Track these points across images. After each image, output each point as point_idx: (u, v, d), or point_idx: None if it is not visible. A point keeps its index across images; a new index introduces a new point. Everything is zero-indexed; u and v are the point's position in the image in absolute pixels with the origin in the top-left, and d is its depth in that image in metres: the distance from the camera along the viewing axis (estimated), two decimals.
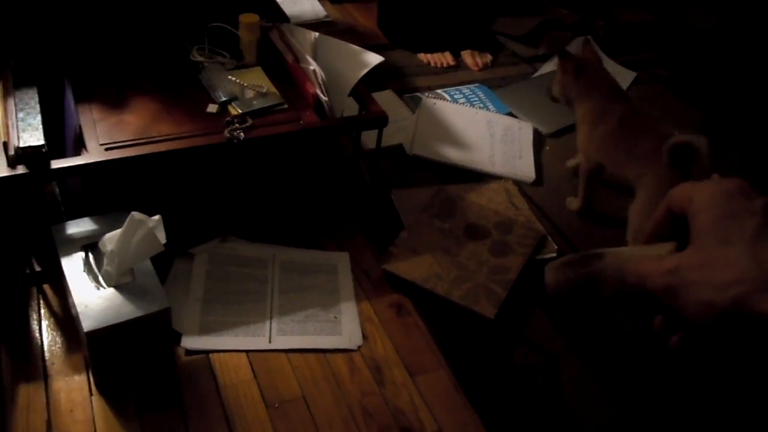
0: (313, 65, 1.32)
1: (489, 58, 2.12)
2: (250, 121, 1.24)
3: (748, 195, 0.44)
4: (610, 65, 2.21)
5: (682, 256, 0.44)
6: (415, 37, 2.09)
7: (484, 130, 1.76)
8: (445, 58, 2.05)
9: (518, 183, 1.61)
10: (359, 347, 1.18)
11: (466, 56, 2.12)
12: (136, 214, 1.02)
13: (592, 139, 1.44)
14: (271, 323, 1.18)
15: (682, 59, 2.35)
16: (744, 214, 0.43)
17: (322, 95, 1.29)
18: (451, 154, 1.66)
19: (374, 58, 1.43)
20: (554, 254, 1.41)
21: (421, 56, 2.07)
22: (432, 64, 2.05)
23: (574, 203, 1.56)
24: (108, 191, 1.23)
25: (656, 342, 1.25)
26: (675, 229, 0.49)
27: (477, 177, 1.62)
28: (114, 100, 1.27)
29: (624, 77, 2.16)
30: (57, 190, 1.27)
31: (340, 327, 1.20)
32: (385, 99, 1.82)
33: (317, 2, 2.25)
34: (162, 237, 1.04)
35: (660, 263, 0.46)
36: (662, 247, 0.49)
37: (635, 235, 1.34)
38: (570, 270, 0.53)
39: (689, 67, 2.30)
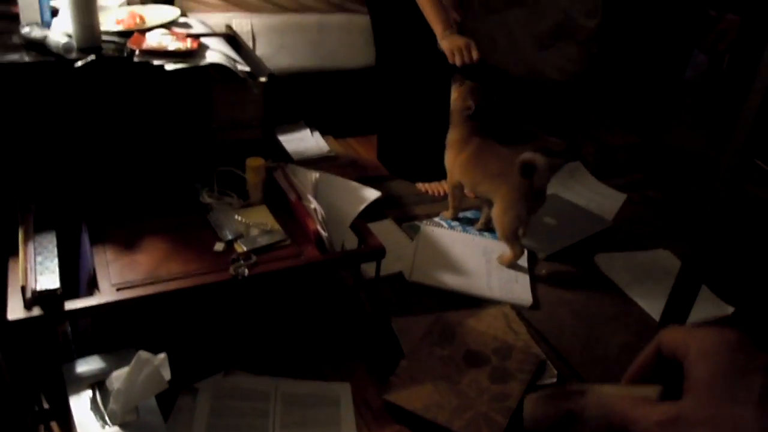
0: (313, 203, 1.41)
1: None
2: (254, 258, 1.31)
3: (750, 350, 0.42)
4: (601, 188, 2.32)
5: (681, 408, 0.41)
6: (413, 168, 2.21)
7: (480, 256, 1.83)
8: (442, 187, 2.16)
9: (516, 307, 1.65)
10: None
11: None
12: (142, 353, 1.06)
13: (455, 163, 1.87)
14: None
15: (671, 180, 2.45)
16: (748, 372, 0.41)
17: (322, 231, 1.37)
18: (450, 281, 1.71)
19: (372, 194, 1.53)
20: (554, 379, 1.43)
21: (419, 186, 2.18)
22: (430, 192, 2.16)
23: (446, 214, 2.00)
24: (118, 327, 1.28)
25: None
26: (659, 369, 0.48)
27: (476, 302, 1.66)
28: (127, 241, 1.35)
29: (615, 199, 2.25)
30: (69, 328, 1.33)
31: None
32: (385, 228, 1.91)
33: (321, 138, 2.40)
34: (167, 374, 1.07)
35: (656, 410, 0.43)
36: (649, 389, 0.48)
37: (503, 235, 1.76)
38: (550, 404, 0.51)
39: (679, 187, 2.40)
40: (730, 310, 1.74)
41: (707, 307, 1.72)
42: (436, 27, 1.86)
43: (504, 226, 1.76)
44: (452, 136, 1.89)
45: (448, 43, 1.82)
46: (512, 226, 1.75)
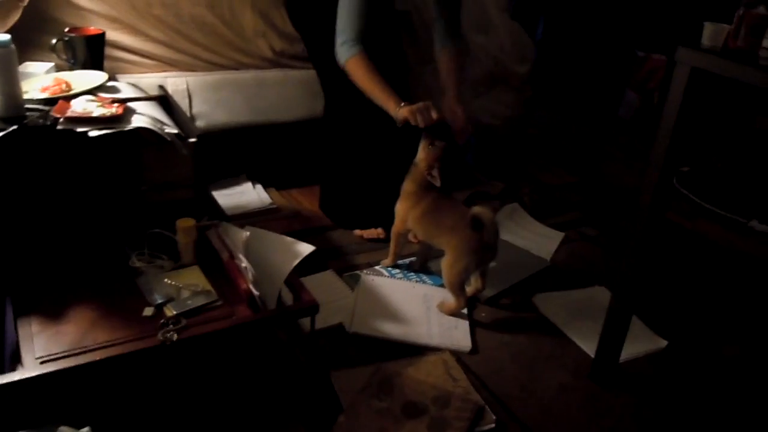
0: (244, 262, 1.41)
1: None
2: (183, 322, 1.30)
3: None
4: (539, 228, 2.37)
5: None
6: (352, 216, 2.23)
7: (420, 303, 1.84)
8: (377, 231, 2.19)
9: (456, 353, 1.66)
10: None
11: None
12: (64, 429, 1.04)
13: (409, 214, 1.90)
14: None
15: (607, 216, 2.52)
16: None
17: (254, 290, 1.37)
18: (390, 330, 1.72)
19: (305, 248, 1.54)
20: (493, 425, 1.44)
21: (356, 233, 2.20)
22: (365, 237, 2.18)
23: (386, 262, 2.03)
24: (44, 400, 1.25)
25: None
26: None
27: (417, 350, 1.67)
28: (53, 311, 1.33)
29: (552, 238, 2.31)
30: None
31: None
32: (326, 280, 1.91)
33: (263, 191, 2.41)
34: None
35: None
36: None
37: (450, 285, 1.80)
38: None
39: (614, 223, 2.47)
40: (664, 343, 1.79)
41: (641, 341, 1.77)
42: (389, 104, 1.85)
43: (451, 276, 1.79)
44: (409, 187, 1.91)
45: (406, 110, 1.81)
46: (460, 277, 1.78)
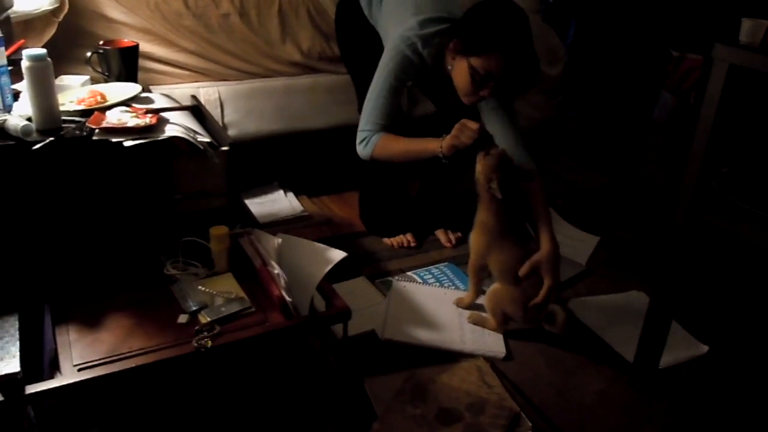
0: (276, 269, 1.41)
1: (459, 235, 2.24)
2: (217, 329, 1.31)
3: None
4: (573, 232, 2.34)
5: None
6: (390, 225, 2.22)
7: (453, 309, 1.83)
8: (406, 239, 2.18)
9: (490, 359, 1.64)
10: None
11: (440, 234, 2.25)
12: None
13: (490, 253, 1.74)
14: None
15: (643, 220, 2.47)
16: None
17: (286, 296, 1.37)
18: (423, 336, 1.71)
19: (337, 255, 1.53)
20: None
21: (385, 240, 2.20)
22: (395, 245, 2.17)
23: (465, 300, 1.86)
24: (83, 406, 1.27)
25: None
26: None
27: (450, 357, 1.65)
28: (91, 320, 1.35)
29: (588, 243, 2.27)
30: (32, 412, 1.31)
31: None
32: (358, 286, 1.91)
33: (294, 199, 2.42)
34: None
35: None
36: None
37: (494, 313, 1.74)
38: None
39: (651, 226, 2.41)
40: (705, 349, 1.74)
41: (682, 346, 1.72)
42: (430, 147, 1.74)
43: (497, 309, 1.73)
44: (487, 218, 1.72)
45: (449, 140, 1.69)
46: (506, 316, 1.73)
